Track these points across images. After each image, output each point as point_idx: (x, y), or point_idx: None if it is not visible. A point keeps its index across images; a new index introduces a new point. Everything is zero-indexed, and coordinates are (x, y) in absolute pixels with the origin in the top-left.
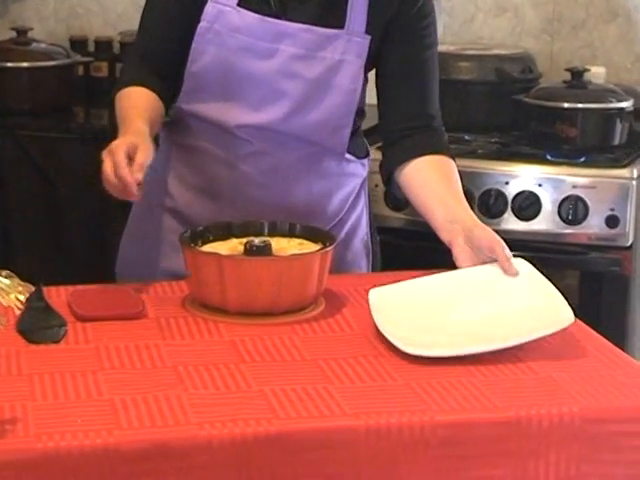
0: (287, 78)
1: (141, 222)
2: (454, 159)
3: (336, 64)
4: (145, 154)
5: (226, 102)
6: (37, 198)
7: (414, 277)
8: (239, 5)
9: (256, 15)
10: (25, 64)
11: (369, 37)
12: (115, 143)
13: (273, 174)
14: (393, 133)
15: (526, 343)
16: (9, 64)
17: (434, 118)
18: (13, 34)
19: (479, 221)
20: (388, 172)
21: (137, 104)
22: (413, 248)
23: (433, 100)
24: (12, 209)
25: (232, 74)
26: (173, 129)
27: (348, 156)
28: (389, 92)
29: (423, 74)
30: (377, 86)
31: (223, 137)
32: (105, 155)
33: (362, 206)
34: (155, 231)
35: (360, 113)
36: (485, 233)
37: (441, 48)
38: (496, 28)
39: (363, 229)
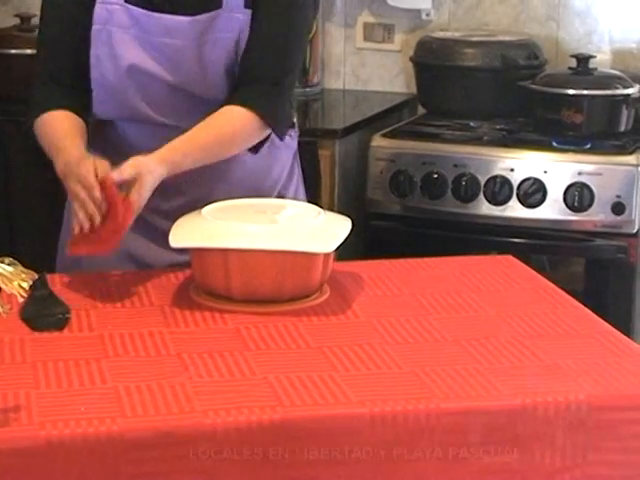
0: (181, 70)
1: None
2: (261, 114)
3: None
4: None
5: (131, 102)
6: (41, 185)
7: (419, 264)
8: (126, 2)
9: (142, 10)
10: (29, 51)
11: (249, 11)
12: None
13: None
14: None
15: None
16: (13, 51)
17: (282, 75)
18: (17, 21)
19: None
20: None
21: (64, 130)
22: (417, 235)
23: (283, 57)
24: (16, 196)
25: (128, 74)
26: (98, 127)
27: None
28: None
29: (280, 31)
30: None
31: (144, 129)
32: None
33: (297, 179)
34: None
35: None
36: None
37: (446, 34)
38: (501, 14)
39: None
